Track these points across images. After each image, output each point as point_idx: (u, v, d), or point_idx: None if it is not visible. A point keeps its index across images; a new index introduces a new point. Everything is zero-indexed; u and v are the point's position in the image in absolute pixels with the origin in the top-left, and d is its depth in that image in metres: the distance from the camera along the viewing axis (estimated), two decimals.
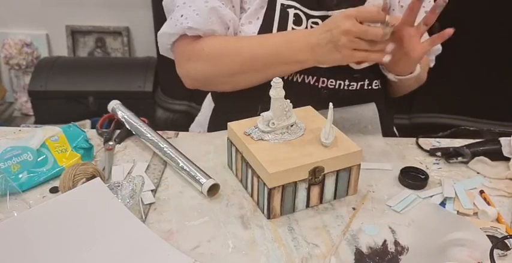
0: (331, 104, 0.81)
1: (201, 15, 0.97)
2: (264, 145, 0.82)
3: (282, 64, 0.95)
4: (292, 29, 0.99)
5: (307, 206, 0.84)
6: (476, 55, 1.93)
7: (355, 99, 1.03)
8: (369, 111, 1.03)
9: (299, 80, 1.01)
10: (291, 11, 0.99)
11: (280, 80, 0.80)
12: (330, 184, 0.83)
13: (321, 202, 0.85)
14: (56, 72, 2.30)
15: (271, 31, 0.99)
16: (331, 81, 1.01)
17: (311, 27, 0.99)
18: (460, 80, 1.73)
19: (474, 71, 1.92)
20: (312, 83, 1.01)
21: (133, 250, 0.73)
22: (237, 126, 0.87)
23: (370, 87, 1.04)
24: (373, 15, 0.85)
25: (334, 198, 0.86)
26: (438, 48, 1.11)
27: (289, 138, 0.84)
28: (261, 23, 1.00)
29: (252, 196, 0.86)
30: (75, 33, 2.57)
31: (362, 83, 1.03)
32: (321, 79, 1.01)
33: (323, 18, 0.99)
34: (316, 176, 0.81)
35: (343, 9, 0.87)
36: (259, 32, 0.99)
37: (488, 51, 1.94)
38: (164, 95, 2.34)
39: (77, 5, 2.49)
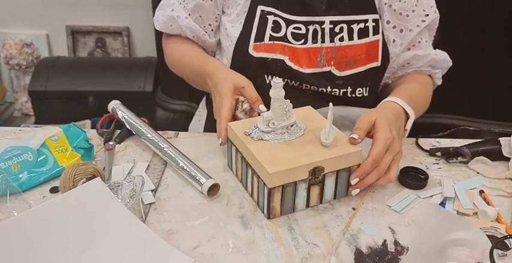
0: (331, 104, 0.81)
1: (165, 21, 1.09)
2: (264, 145, 0.82)
3: (201, 86, 1.06)
4: (271, 35, 1.00)
5: (307, 206, 0.84)
6: (476, 55, 1.93)
7: (340, 103, 1.03)
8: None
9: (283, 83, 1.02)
10: (271, 18, 1.00)
11: (280, 80, 0.80)
12: (329, 184, 0.83)
13: (320, 202, 0.85)
14: (56, 72, 2.30)
15: (250, 36, 1.01)
16: (314, 87, 1.03)
17: (291, 33, 1.00)
18: (460, 80, 1.73)
19: (474, 71, 1.92)
20: (295, 85, 1.03)
21: (134, 249, 0.73)
22: (237, 126, 0.87)
23: (353, 95, 1.05)
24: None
25: (334, 198, 0.86)
26: (446, 60, 1.10)
27: (289, 138, 0.84)
28: (241, 28, 1.02)
29: (252, 195, 0.86)
30: (75, 33, 2.57)
31: (344, 90, 1.04)
32: (304, 84, 1.03)
33: (306, 23, 1.00)
34: (316, 176, 0.81)
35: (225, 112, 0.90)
36: (240, 37, 1.02)
37: (488, 52, 1.94)
38: (164, 95, 2.35)
39: (77, 5, 2.49)
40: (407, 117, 0.93)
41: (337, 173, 0.83)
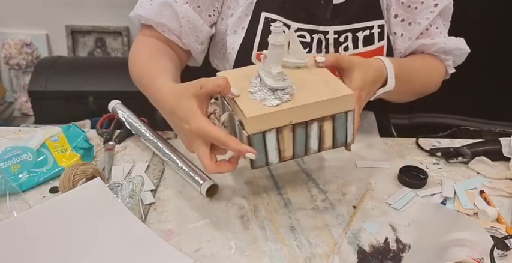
0: (292, 27, 0.74)
1: (154, 5, 0.97)
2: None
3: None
4: None
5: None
6: (476, 55, 1.92)
7: None
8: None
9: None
10: None
11: (281, 23, 0.71)
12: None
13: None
14: (56, 72, 2.29)
15: (253, 44, 0.97)
16: None
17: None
18: (460, 80, 1.73)
19: (474, 71, 1.91)
20: None
21: (134, 250, 0.73)
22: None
23: None
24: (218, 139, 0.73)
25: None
26: (459, 48, 1.06)
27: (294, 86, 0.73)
28: (244, 35, 0.98)
29: (321, 148, 0.74)
30: (75, 33, 2.57)
31: None
32: None
33: (311, 32, 0.97)
34: None
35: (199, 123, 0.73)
36: (242, 44, 0.98)
37: (488, 51, 1.94)
38: None
39: (77, 5, 2.49)
40: (385, 84, 0.88)
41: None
